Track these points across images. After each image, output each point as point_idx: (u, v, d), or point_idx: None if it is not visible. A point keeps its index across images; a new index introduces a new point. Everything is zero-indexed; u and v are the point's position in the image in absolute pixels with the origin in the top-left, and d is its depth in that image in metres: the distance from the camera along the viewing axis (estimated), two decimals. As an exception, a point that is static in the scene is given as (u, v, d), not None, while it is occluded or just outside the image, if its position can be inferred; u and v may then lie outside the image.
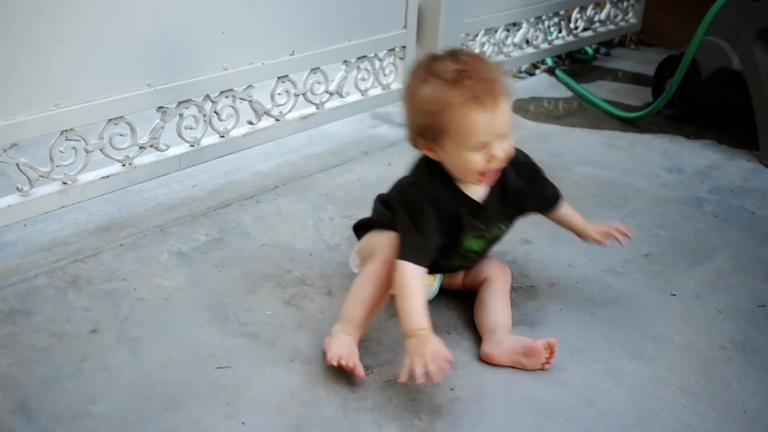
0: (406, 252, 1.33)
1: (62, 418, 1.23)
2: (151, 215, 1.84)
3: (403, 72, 2.33)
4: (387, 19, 2.24)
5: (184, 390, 1.30)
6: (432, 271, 1.41)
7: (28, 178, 1.63)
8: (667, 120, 2.51)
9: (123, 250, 1.69)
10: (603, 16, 3.07)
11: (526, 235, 1.77)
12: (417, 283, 1.32)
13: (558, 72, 2.89)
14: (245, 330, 1.46)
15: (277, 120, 2.06)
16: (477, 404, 1.30)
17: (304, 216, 1.86)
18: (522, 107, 2.60)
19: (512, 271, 1.59)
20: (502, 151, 1.30)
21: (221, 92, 1.91)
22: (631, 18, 3.21)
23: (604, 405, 1.31)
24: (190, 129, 1.88)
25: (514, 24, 2.70)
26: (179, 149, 1.88)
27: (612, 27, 3.13)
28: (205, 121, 1.90)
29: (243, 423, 1.24)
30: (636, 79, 2.94)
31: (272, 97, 2.03)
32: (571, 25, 2.96)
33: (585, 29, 3.02)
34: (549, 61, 2.99)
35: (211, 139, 1.94)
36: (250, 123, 2.02)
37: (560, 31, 2.92)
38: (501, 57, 2.68)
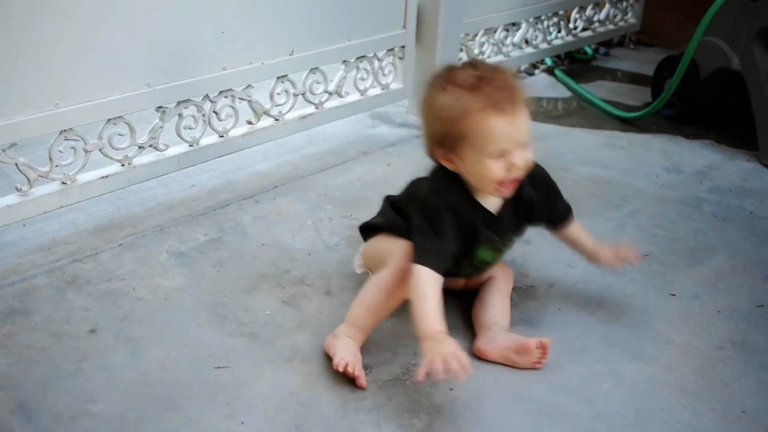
0: (423, 257, 1.31)
1: (62, 417, 1.23)
2: (150, 215, 1.84)
3: (403, 72, 2.34)
4: (386, 19, 2.24)
5: (183, 390, 1.30)
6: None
7: (27, 178, 1.63)
8: (667, 120, 2.51)
9: (122, 250, 1.69)
10: (602, 16, 3.07)
11: (526, 235, 1.76)
12: (433, 287, 1.29)
13: (557, 72, 2.89)
14: (244, 330, 1.46)
15: (276, 120, 2.06)
16: (476, 404, 1.30)
17: (303, 216, 1.86)
18: (521, 107, 2.60)
19: (512, 271, 1.59)
20: (521, 160, 1.29)
21: (220, 92, 1.91)
22: (630, 18, 3.21)
23: (603, 405, 1.31)
24: (189, 129, 1.88)
25: (514, 24, 2.70)
26: (178, 149, 1.88)
27: (611, 27, 3.13)
28: (204, 120, 1.90)
29: (242, 423, 1.24)
30: (635, 79, 2.94)
31: (271, 96, 2.03)
32: (571, 25, 2.96)
33: (584, 29, 3.02)
34: (548, 61, 3.00)
35: (210, 139, 1.93)
36: (249, 123, 2.02)
37: (559, 31, 2.92)
38: (500, 57, 2.68)
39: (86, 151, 1.69)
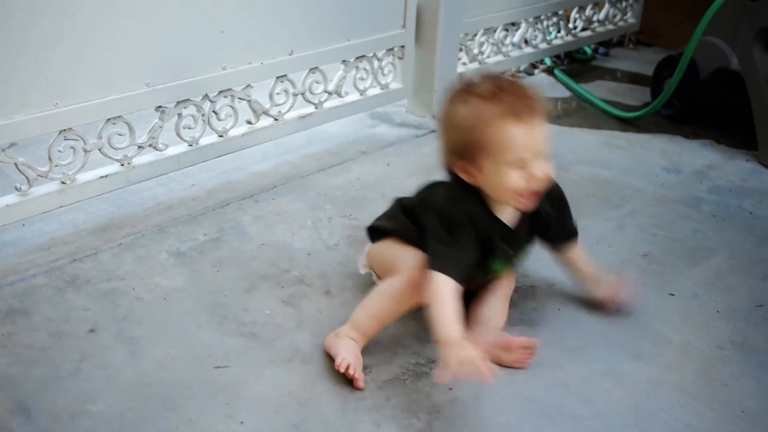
0: (442, 264, 1.29)
1: (61, 417, 1.23)
2: (149, 215, 1.84)
3: (402, 72, 2.34)
4: (386, 19, 2.24)
5: (183, 389, 1.30)
6: None
7: (27, 178, 1.63)
8: (666, 120, 2.51)
9: (121, 249, 1.69)
10: (602, 15, 3.07)
11: (525, 234, 1.77)
12: (451, 294, 1.28)
13: (557, 72, 2.89)
14: (243, 330, 1.46)
15: (275, 120, 2.06)
16: (475, 404, 1.30)
17: (303, 216, 1.86)
18: (521, 107, 2.60)
19: (516, 276, 1.58)
20: (541, 171, 1.29)
21: (220, 92, 1.90)
22: (630, 18, 3.21)
23: (603, 405, 1.31)
24: (189, 128, 1.88)
25: (513, 24, 2.70)
26: (178, 149, 1.88)
27: (611, 27, 3.13)
28: (203, 120, 1.90)
29: (241, 422, 1.24)
30: (634, 78, 2.94)
31: (271, 96, 2.03)
32: (570, 25, 2.96)
33: (584, 29, 3.02)
34: (548, 61, 3.00)
35: (209, 139, 1.93)
36: (249, 123, 2.02)
37: (559, 31, 2.92)
38: (499, 57, 2.68)
39: (86, 151, 1.69)
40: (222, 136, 1.95)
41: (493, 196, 1.34)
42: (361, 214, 1.86)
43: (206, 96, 1.88)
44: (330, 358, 1.36)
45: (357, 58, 2.21)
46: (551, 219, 1.45)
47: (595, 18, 3.05)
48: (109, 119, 1.71)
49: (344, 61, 2.18)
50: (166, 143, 1.85)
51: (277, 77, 2.02)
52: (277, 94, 2.04)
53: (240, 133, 1.99)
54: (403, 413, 1.27)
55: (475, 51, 2.59)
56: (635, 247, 1.77)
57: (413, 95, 2.43)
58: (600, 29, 3.09)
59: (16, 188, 1.63)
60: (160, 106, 1.80)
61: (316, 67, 2.10)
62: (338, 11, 2.10)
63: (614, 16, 3.13)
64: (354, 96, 2.26)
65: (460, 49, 2.50)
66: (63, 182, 1.69)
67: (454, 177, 1.37)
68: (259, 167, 2.09)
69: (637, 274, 1.66)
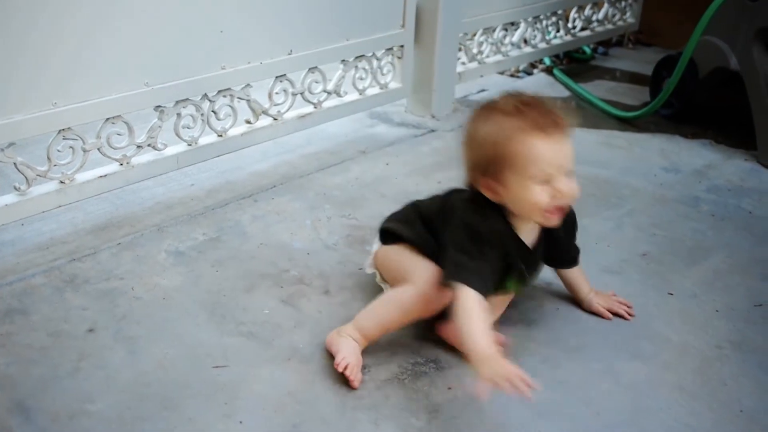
0: (467, 277, 1.26)
1: (60, 417, 1.24)
2: (148, 214, 1.84)
3: (402, 71, 2.34)
4: (385, 19, 2.24)
5: (182, 389, 1.30)
6: None
7: (26, 177, 1.63)
8: (665, 119, 2.51)
9: (120, 249, 1.69)
10: (601, 15, 3.08)
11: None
12: (479, 305, 1.25)
13: (556, 71, 2.89)
14: (242, 329, 1.46)
15: (274, 119, 2.06)
16: (475, 403, 1.29)
17: (302, 215, 1.86)
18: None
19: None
20: (567, 187, 1.27)
21: (219, 91, 1.90)
22: (629, 17, 3.22)
23: (601, 404, 1.31)
24: (188, 128, 1.88)
25: (512, 23, 2.70)
26: (177, 148, 1.88)
27: (610, 26, 3.13)
28: (202, 120, 1.90)
29: (240, 422, 1.24)
30: (634, 78, 2.94)
31: (270, 96, 2.03)
32: (569, 25, 2.96)
33: (583, 29, 3.02)
34: (547, 61, 3.00)
35: (208, 139, 1.93)
36: (248, 122, 2.02)
37: (558, 31, 2.92)
38: (499, 56, 2.68)
39: (85, 151, 1.69)
40: (221, 135, 1.95)
41: (518, 211, 1.32)
42: (360, 214, 1.86)
43: (205, 95, 1.88)
44: (330, 356, 1.36)
45: (356, 57, 2.21)
46: (561, 242, 1.44)
47: (594, 18, 3.05)
48: (108, 119, 1.71)
49: (343, 60, 2.18)
50: (165, 143, 1.85)
51: (277, 77, 2.02)
52: (276, 93, 2.04)
53: (239, 133, 1.99)
54: (401, 412, 1.27)
55: (474, 51, 2.59)
56: (634, 246, 1.77)
57: (412, 95, 2.43)
58: (599, 29, 3.09)
59: (15, 188, 1.63)
60: (159, 106, 1.80)
61: (315, 67, 2.10)
62: (337, 11, 2.10)
63: (613, 15, 3.13)
64: (353, 96, 2.26)
65: (460, 49, 2.50)
66: (62, 182, 1.69)
67: (477, 194, 1.35)
68: (258, 167, 2.09)
69: (636, 274, 1.67)
